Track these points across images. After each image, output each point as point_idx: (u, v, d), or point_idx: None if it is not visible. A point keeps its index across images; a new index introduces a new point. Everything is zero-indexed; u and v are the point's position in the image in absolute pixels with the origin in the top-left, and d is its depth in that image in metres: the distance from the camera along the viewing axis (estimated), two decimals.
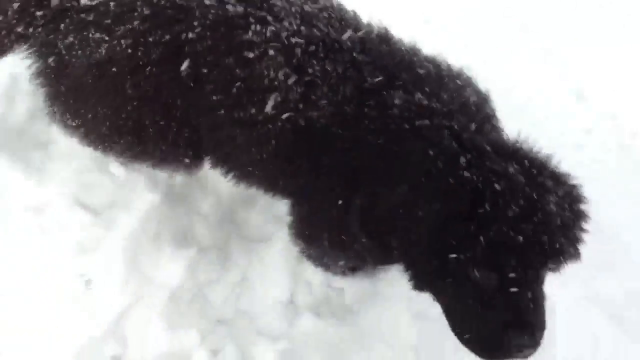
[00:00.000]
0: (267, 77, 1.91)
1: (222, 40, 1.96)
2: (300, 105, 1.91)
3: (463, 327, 1.78)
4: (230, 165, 2.24)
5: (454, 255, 1.66)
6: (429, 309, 2.07)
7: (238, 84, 1.95)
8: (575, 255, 1.74)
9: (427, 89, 1.87)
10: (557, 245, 1.66)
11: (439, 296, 1.84)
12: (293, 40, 1.92)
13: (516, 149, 1.80)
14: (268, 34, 1.93)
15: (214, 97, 1.99)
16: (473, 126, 1.83)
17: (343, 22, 2.04)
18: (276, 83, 1.91)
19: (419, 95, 1.85)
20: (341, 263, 2.44)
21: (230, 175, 2.27)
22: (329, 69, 1.91)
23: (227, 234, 2.79)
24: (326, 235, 2.11)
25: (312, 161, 1.95)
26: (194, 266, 2.68)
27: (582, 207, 1.80)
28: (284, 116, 1.91)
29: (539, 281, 1.73)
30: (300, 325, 2.57)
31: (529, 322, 1.68)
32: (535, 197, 1.65)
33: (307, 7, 2.03)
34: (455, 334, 1.81)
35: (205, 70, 1.97)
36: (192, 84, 1.99)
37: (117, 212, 2.65)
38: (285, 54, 1.91)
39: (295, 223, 2.25)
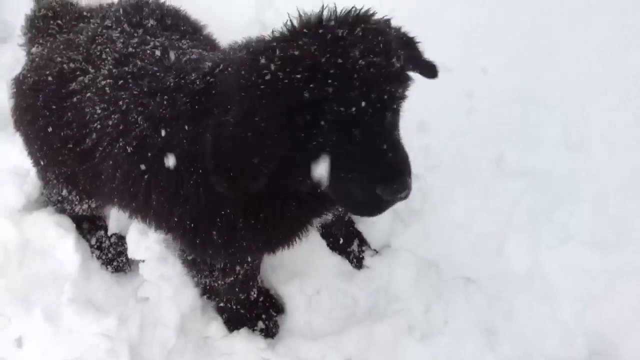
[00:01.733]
0: (88, 114, 2.45)
1: (59, 88, 2.56)
2: (121, 128, 2.35)
3: (346, 198, 1.97)
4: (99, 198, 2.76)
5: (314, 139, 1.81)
6: None
7: (73, 124, 2.51)
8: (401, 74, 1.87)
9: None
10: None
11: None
12: (104, 82, 2.46)
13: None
14: (86, 82, 2.51)
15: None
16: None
17: (165, 55, 2.47)
18: (96, 115, 2.43)
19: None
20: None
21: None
22: (135, 92, 2.36)
23: None
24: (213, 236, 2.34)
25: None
26: None
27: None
28: (107, 140, 2.39)
29: (390, 127, 1.87)
30: None
31: (393, 172, 1.82)
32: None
33: (129, 49, 2.56)
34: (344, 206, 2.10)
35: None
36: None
37: None
38: (97, 94, 2.46)
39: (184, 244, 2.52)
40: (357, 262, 3.17)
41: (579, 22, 3.53)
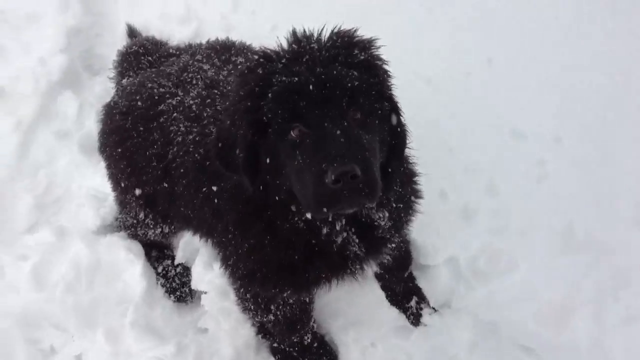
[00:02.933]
0: (173, 132, 2.72)
1: (147, 111, 2.85)
2: (197, 139, 2.61)
3: (301, 190, 2.00)
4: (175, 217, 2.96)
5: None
6: None
7: (158, 142, 2.78)
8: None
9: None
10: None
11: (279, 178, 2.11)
12: (192, 102, 2.75)
13: None
14: (174, 103, 2.79)
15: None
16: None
17: None
18: (179, 132, 2.69)
19: None
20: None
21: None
22: (220, 109, 2.61)
23: None
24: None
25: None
26: None
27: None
28: (184, 149, 2.64)
29: (347, 120, 1.98)
30: None
31: (334, 154, 1.86)
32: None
33: (219, 76, 2.87)
34: (301, 201, 2.05)
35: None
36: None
37: None
38: (183, 113, 2.73)
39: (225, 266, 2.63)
40: (415, 319, 3.20)
41: None
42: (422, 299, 3.24)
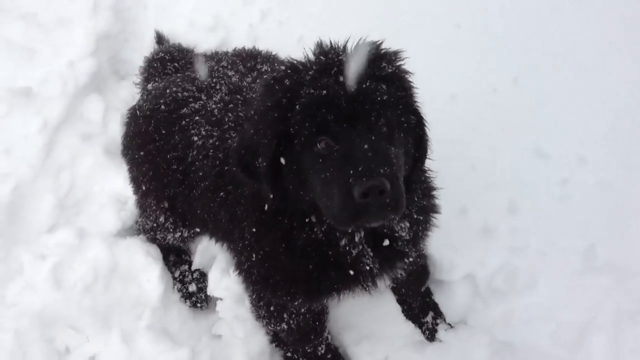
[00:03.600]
0: (194, 135, 2.78)
1: (170, 114, 2.92)
2: (217, 143, 2.66)
3: (327, 202, 2.01)
4: (194, 219, 2.98)
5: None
6: None
7: (179, 146, 2.83)
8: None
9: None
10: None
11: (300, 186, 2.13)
12: (214, 106, 2.81)
13: None
14: (197, 107, 2.85)
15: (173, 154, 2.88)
16: None
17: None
18: (200, 135, 2.76)
19: None
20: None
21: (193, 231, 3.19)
22: (241, 115, 2.67)
23: None
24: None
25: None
26: None
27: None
28: (203, 153, 2.70)
29: (374, 134, 2.00)
30: None
31: (362, 168, 1.88)
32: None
33: (243, 83, 2.94)
34: (325, 212, 2.07)
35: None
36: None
37: None
38: (205, 117, 2.79)
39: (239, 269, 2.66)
40: (430, 334, 3.22)
41: None
42: (438, 314, 3.26)
